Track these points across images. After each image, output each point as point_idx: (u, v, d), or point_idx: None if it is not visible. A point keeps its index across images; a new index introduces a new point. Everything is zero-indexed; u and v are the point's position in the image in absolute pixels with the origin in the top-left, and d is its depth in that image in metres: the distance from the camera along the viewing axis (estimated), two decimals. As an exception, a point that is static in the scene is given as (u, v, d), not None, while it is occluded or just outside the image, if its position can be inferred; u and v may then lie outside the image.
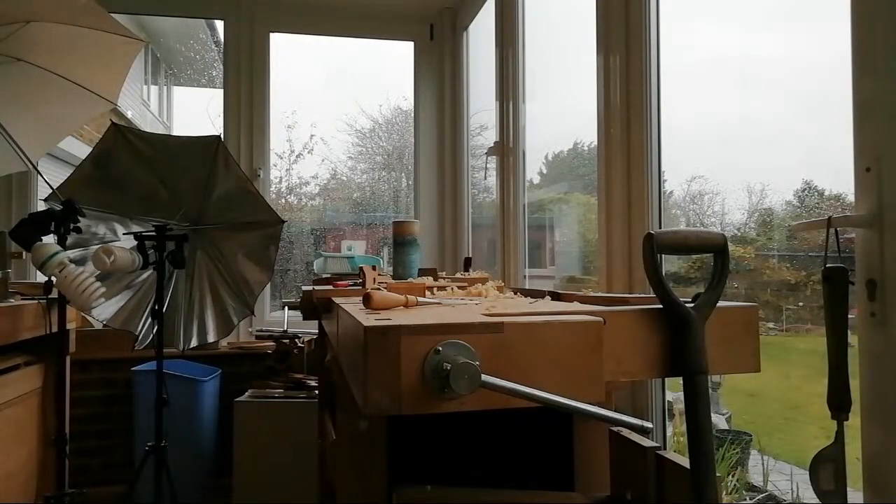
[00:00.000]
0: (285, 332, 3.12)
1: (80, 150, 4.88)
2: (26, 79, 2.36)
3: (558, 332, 0.82)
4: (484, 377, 0.75)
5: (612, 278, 1.87)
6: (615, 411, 0.82)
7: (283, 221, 2.58)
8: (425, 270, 2.10)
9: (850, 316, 1.08)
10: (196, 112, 11.54)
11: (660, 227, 1.76)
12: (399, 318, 0.84)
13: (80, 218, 2.02)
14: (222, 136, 2.94)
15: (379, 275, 1.68)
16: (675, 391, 1.80)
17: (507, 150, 2.82)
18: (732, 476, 2.16)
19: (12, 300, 2.19)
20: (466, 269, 2.55)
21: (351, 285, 1.77)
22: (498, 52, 2.89)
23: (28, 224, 1.89)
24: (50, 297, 2.22)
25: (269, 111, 3.62)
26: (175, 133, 8.42)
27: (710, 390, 0.95)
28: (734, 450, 2.19)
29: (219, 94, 3.64)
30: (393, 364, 0.75)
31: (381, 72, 4.47)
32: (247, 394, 2.96)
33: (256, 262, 2.58)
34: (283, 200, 4.81)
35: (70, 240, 2.04)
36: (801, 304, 1.83)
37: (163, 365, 2.32)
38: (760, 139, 1.76)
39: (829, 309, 1.09)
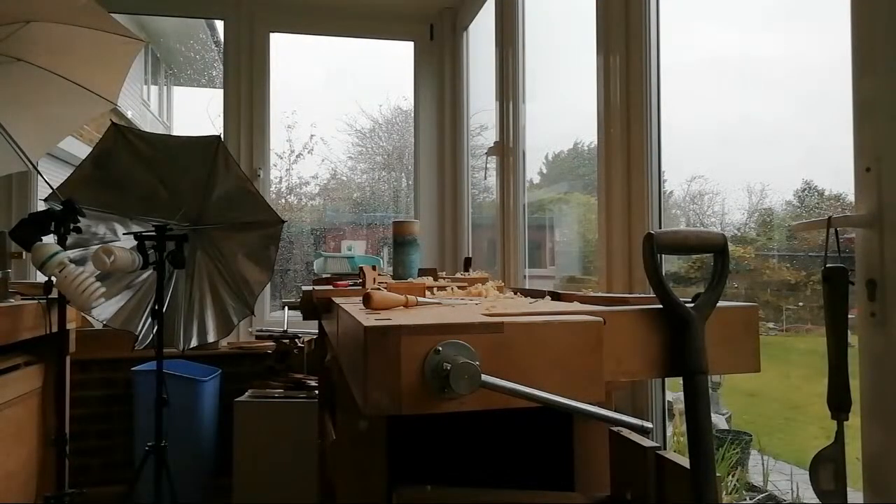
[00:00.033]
0: (285, 332, 3.12)
1: (80, 150, 4.88)
2: (26, 79, 2.36)
3: (558, 332, 0.82)
4: (484, 377, 0.75)
5: (612, 278, 1.87)
6: (615, 411, 0.82)
7: (283, 221, 2.58)
8: (425, 270, 2.10)
9: (850, 316, 1.08)
10: (196, 112, 11.55)
11: (660, 227, 1.76)
12: (399, 318, 0.84)
13: (80, 218, 2.02)
14: (222, 136, 2.94)
15: (379, 275, 1.68)
16: (675, 391, 1.80)
17: (507, 150, 2.82)
18: (732, 476, 2.16)
19: (12, 300, 2.19)
20: (466, 269, 2.55)
21: (351, 285, 1.77)
22: (498, 52, 2.89)
23: (28, 224, 1.89)
24: (50, 297, 2.22)
25: (269, 111, 3.62)
26: (175, 133, 8.43)
27: (710, 390, 0.95)
28: (734, 450, 2.19)
29: (219, 94, 3.64)
30: (393, 364, 0.75)
31: (381, 72, 4.47)
32: (247, 394, 2.96)
33: (256, 262, 2.58)
34: (283, 200, 4.81)
35: (70, 240, 2.04)
36: (801, 304, 1.83)
37: (163, 365, 2.32)
38: (760, 139, 1.76)
39: (829, 309, 1.09)
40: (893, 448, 1.03)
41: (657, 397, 1.75)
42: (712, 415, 0.95)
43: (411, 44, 3.82)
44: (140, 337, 2.51)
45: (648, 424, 0.84)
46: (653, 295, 0.97)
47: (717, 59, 1.84)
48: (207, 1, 3.65)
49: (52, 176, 3.65)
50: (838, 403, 1.07)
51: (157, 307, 2.28)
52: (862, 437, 1.09)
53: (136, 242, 2.21)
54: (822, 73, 1.47)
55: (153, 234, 2.24)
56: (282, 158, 4.77)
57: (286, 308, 3.35)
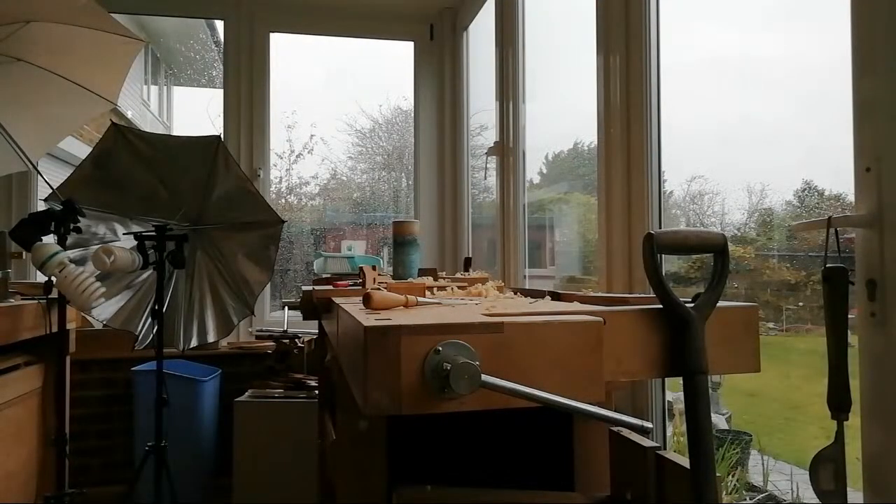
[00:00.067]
0: (285, 332, 3.13)
1: (80, 150, 4.88)
2: (26, 79, 2.36)
3: (558, 332, 0.82)
4: (484, 377, 0.75)
5: (612, 278, 1.87)
6: (615, 411, 0.82)
7: (283, 221, 2.58)
8: (425, 270, 2.10)
9: (850, 316, 1.08)
10: (196, 112, 11.55)
11: (660, 227, 1.76)
12: (399, 318, 0.84)
13: (80, 218, 2.02)
14: (222, 136, 2.94)
15: (379, 275, 1.68)
16: (675, 391, 1.80)
17: (507, 150, 2.82)
18: (732, 476, 2.16)
19: (12, 300, 2.18)
20: (466, 269, 2.55)
21: (351, 285, 1.77)
22: (498, 52, 2.89)
23: (28, 224, 1.89)
24: (50, 297, 2.22)
25: (269, 111, 3.62)
26: (175, 133, 8.43)
27: (710, 390, 0.95)
28: (734, 450, 2.19)
29: (219, 94, 3.64)
30: (393, 364, 0.75)
31: (381, 72, 4.47)
32: (247, 394, 2.96)
33: (256, 262, 2.58)
34: (283, 200, 4.81)
35: (70, 240, 2.04)
36: (801, 304, 1.83)
37: (163, 365, 2.32)
38: (760, 139, 1.76)
39: (829, 309, 1.09)
40: (893, 448, 1.03)
41: (657, 397, 1.75)
42: (712, 415, 0.95)
43: (411, 44, 3.82)
44: (140, 337, 2.51)
45: (648, 424, 0.84)
46: (653, 295, 0.97)
47: (717, 59, 1.84)
48: (207, 1, 3.65)
49: (52, 176, 3.65)
50: (838, 403, 1.07)
51: (157, 307, 2.28)
52: (862, 437, 1.09)
53: (136, 242, 2.21)
54: (822, 73, 1.47)
55: (153, 234, 2.24)
56: (282, 158, 4.78)
57: (286, 308, 3.35)
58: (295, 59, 4.16)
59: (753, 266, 1.92)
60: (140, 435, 2.97)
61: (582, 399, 0.79)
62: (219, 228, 2.58)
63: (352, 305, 1.11)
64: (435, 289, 1.53)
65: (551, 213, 2.93)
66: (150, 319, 2.47)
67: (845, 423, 1.07)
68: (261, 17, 3.58)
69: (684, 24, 1.86)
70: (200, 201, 2.53)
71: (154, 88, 9.14)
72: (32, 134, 2.50)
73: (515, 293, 1.54)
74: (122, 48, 2.45)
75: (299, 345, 3.10)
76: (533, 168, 2.88)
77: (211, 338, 2.64)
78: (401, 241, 2.10)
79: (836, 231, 1.12)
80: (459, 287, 1.52)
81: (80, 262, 2.30)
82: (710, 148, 1.90)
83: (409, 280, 1.95)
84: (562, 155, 2.92)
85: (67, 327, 2.15)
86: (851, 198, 1.13)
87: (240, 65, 3.56)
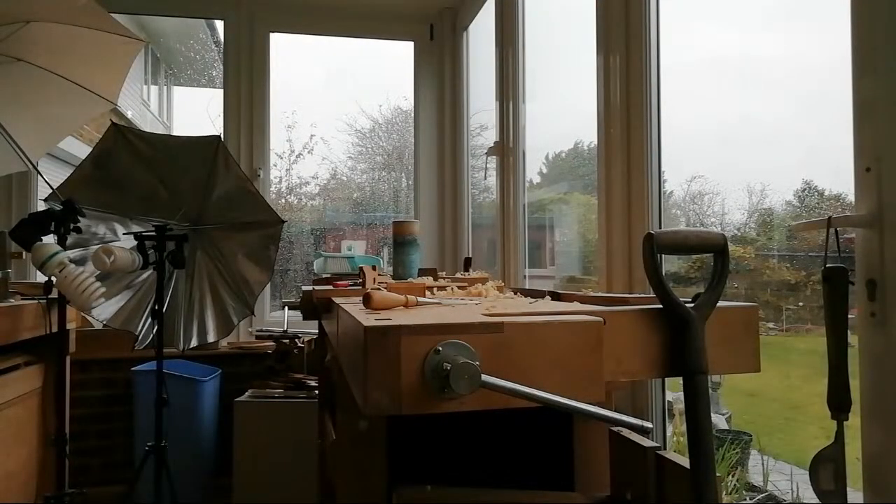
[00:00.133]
0: (285, 332, 3.13)
1: (80, 150, 4.88)
2: (26, 79, 2.37)
3: (558, 332, 0.82)
4: (484, 377, 0.75)
5: (612, 278, 1.87)
6: (615, 411, 0.82)
7: (283, 221, 2.58)
8: (425, 270, 2.10)
9: (850, 316, 1.08)
10: (196, 112, 11.55)
11: (660, 227, 1.76)
12: (399, 318, 0.84)
13: (80, 218, 2.02)
14: (222, 136, 2.94)
15: (379, 275, 1.68)
16: (675, 391, 1.80)
17: (507, 150, 2.82)
18: (732, 476, 2.16)
19: (12, 300, 2.19)
20: (466, 269, 2.55)
21: (351, 285, 1.77)
22: (498, 52, 2.89)
23: (28, 224, 1.89)
24: (50, 297, 2.22)
25: (269, 111, 3.62)
26: (175, 133, 8.43)
27: (710, 390, 0.95)
28: (734, 450, 2.19)
29: (219, 94, 3.65)
30: (393, 364, 0.75)
31: (381, 72, 4.47)
32: (247, 394, 2.96)
33: (256, 262, 2.58)
34: (283, 200, 4.81)
35: (70, 240, 2.04)
36: (801, 304, 1.83)
37: (163, 365, 2.32)
38: (760, 139, 1.76)
39: (829, 309, 1.09)
40: (893, 448, 1.03)
41: (657, 397, 1.75)
42: (712, 415, 0.95)
43: (411, 44, 3.82)
44: (140, 337, 2.51)
45: (648, 424, 0.84)
46: (653, 295, 0.97)
47: (717, 59, 1.84)
48: (207, 1, 3.65)
49: (52, 176, 3.65)
50: (838, 403, 1.07)
51: (157, 307, 2.28)
52: (862, 437, 1.09)
53: (136, 242, 2.21)
54: (822, 73, 1.47)
55: (153, 234, 2.24)
56: (282, 158, 4.78)
57: (286, 308, 3.35)
58: (295, 59, 4.16)
59: (753, 266, 1.92)
60: (140, 435, 2.97)
61: (582, 399, 0.79)
62: (219, 228, 2.58)
63: (352, 305, 1.11)
64: (435, 289, 1.53)
65: (551, 213, 2.93)
66: (150, 319, 2.47)
67: (845, 423, 1.07)
68: (261, 17, 3.59)
69: (684, 24, 1.86)
70: (200, 201, 2.53)
71: (154, 88, 9.14)
72: (32, 134, 2.50)
73: (515, 293, 1.54)
74: (122, 48, 2.45)
75: (299, 345, 3.10)
76: (533, 168, 2.88)
77: (211, 338, 2.64)
78: (401, 241, 2.10)
79: (836, 231, 1.12)
80: (459, 287, 1.52)
81: (80, 262, 2.30)
82: (710, 148, 1.90)
83: (409, 280, 1.95)
84: (562, 155, 2.92)
85: (67, 327, 2.15)
86: (851, 198, 1.13)
87: (240, 65, 3.56)
